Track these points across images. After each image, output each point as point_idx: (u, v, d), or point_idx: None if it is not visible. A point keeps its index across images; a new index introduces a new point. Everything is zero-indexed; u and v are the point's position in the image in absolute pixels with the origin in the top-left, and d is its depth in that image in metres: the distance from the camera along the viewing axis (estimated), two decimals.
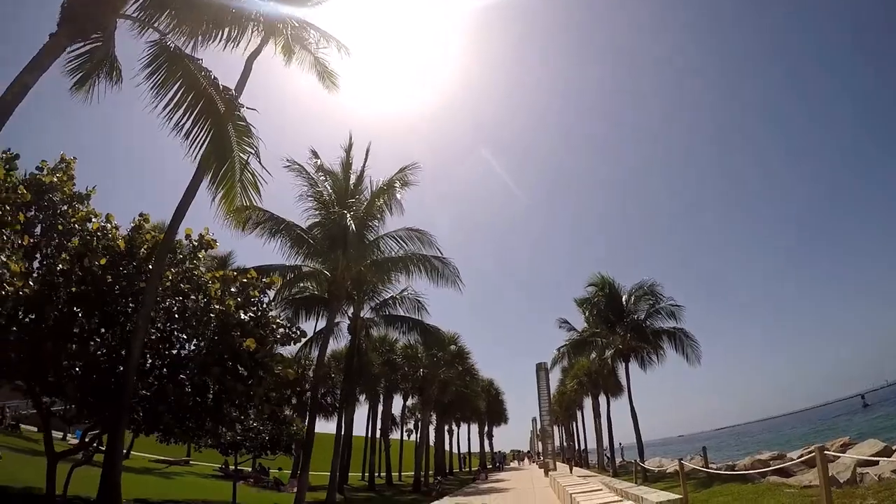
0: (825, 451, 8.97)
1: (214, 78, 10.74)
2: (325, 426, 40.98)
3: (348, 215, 18.52)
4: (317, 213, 19.74)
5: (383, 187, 20.00)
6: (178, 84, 10.34)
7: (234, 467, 24.20)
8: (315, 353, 35.61)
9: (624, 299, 29.49)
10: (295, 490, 28.65)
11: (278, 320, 12.42)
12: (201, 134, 10.65)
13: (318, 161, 20.23)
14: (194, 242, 12.37)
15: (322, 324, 26.21)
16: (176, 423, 11.06)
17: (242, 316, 10.91)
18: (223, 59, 12.89)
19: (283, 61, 14.60)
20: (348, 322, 26.24)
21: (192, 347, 11.50)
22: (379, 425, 41.41)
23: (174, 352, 11.56)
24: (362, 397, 39.66)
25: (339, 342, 30.55)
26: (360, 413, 44.02)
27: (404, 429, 52.10)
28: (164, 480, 26.32)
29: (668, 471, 29.14)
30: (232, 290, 11.55)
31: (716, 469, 20.65)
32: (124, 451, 32.80)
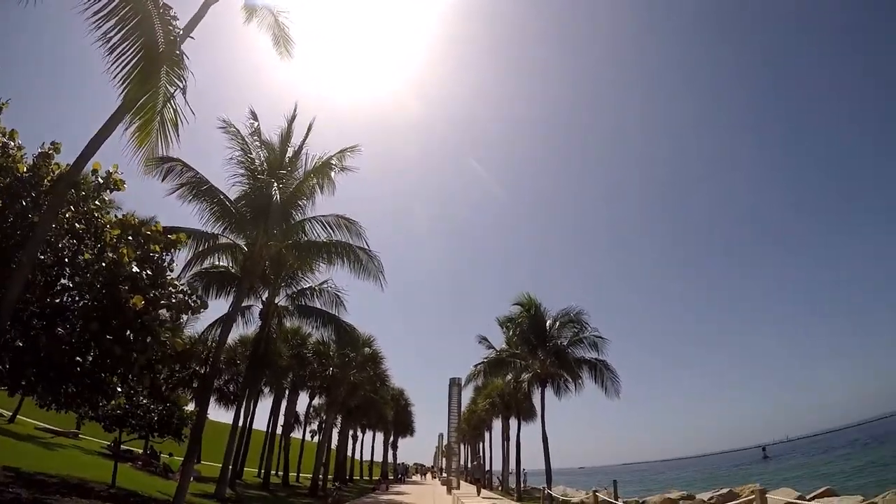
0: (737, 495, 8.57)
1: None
2: (228, 416, 38.61)
3: (275, 184, 17.26)
4: (245, 181, 18.31)
5: (319, 165, 18.84)
6: None
7: (123, 447, 22.32)
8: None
9: (548, 324, 29.17)
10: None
11: (179, 285, 11.07)
12: (129, 51, 9.56)
13: (256, 124, 18.83)
14: (100, 179, 10.89)
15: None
16: (41, 381, 9.50)
17: (136, 269, 9.50)
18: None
19: (243, 18, 13.52)
20: (261, 307, 24.75)
21: (78, 299, 9.99)
22: (281, 422, 39.51)
23: (57, 301, 10.00)
24: (266, 389, 37.66)
25: (249, 327, 28.81)
26: (264, 407, 41.98)
27: (307, 428, 50.00)
28: (45, 451, 24.07)
29: (573, 500, 28.84)
30: (129, 238, 10.12)
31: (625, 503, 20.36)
32: (12, 413, 30.54)
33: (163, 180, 16.78)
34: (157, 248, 10.49)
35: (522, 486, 35.46)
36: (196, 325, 36.55)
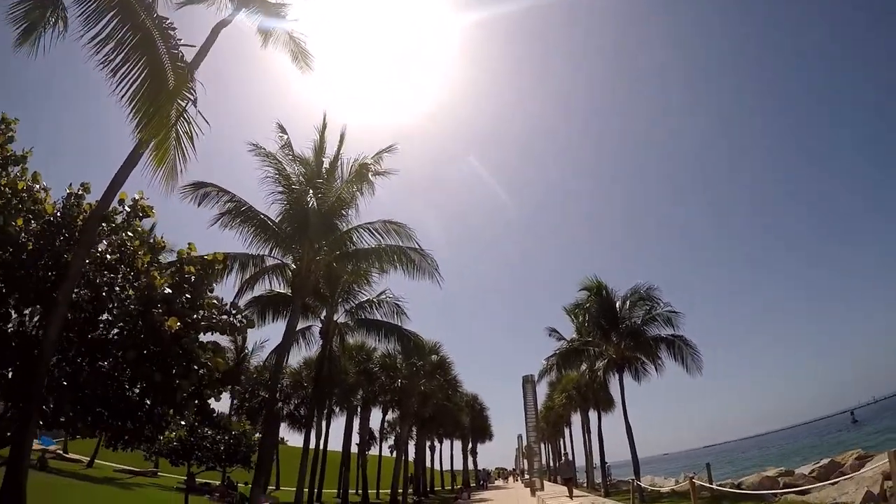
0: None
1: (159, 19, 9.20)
2: (300, 440, 38.44)
3: (312, 194, 16.57)
4: (283, 198, 17.69)
5: (356, 169, 18.00)
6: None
7: (200, 480, 22.20)
8: (286, 361, 33.70)
9: (618, 305, 27.54)
10: None
11: (223, 306, 10.36)
12: (134, 71, 9.26)
13: (286, 137, 18.11)
14: (127, 208, 10.38)
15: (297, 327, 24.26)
16: (81, 417, 8.91)
17: (168, 291, 8.82)
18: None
19: (260, 42, 13.21)
20: (320, 325, 24.13)
21: (117, 331, 9.44)
22: (356, 440, 39.05)
23: (97, 335, 9.49)
24: (337, 409, 37.19)
25: (312, 348, 28.30)
26: (338, 427, 41.72)
27: (384, 444, 49.42)
28: (122, 491, 24.29)
29: (663, 490, 27.16)
30: (159, 261, 9.49)
31: (721, 487, 18.73)
32: (90, 458, 31.12)
33: (199, 205, 16.30)
34: (193, 270, 9.82)
35: (609, 480, 33.82)
36: (261, 354, 36.69)
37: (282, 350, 17.20)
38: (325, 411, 37.65)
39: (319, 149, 19.24)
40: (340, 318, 24.81)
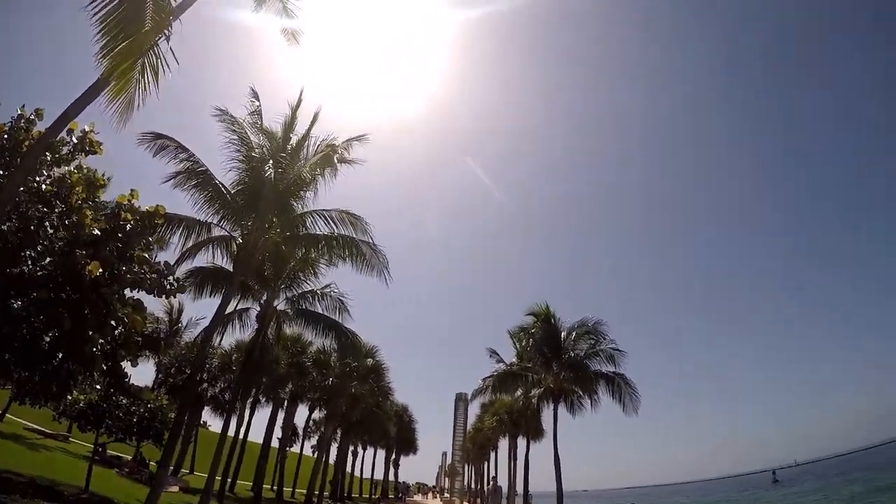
0: None
1: None
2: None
3: (271, 166, 15.92)
4: (241, 166, 16.93)
5: (322, 150, 17.33)
6: None
7: (113, 453, 20.87)
8: (221, 341, 32.42)
9: (563, 335, 27.37)
10: (171, 488, 25.34)
11: (155, 263, 9.61)
12: None
13: (257, 104, 17.36)
14: (75, 140, 9.58)
15: (235, 307, 23.32)
16: None
17: (97, 232, 8.05)
18: None
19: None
20: (259, 310, 23.24)
21: (39, 269, 8.57)
22: (278, 434, 37.77)
23: (16, 271, 8.58)
24: (264, 400, 35.87)
25: (247, 331, 27.14)
26: (262, 418, 40.30)
27: (307, 443, 48.00)
28: (27, 451, 22.70)
29: None
30: (95, 200, 8.71)
31: None
32: (1, 412, 29.05)
33: (154, 155, 15.61)
34: (129, 218, 9.05)
35: None
36: (195, 331, 35.29)
37: (213, 325, 16.40)
38: (251, 400, 36.38)
39: (289, 124, 18.49)
40: (280, 304, 24.01)
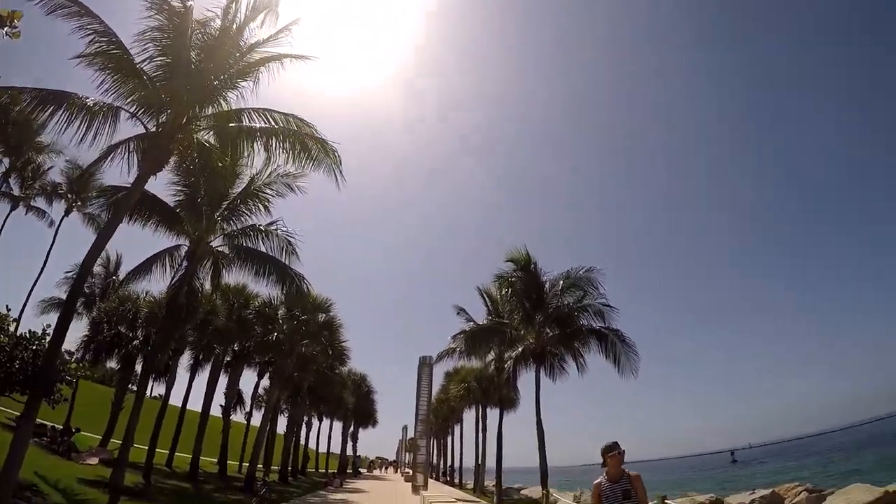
0: None
1: None
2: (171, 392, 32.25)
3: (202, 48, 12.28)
4: (166, 43, 13.11)
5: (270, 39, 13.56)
6: None
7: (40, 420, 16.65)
8: (154, 287, 27.89)
9: (546, 287, 23.78)
10: (90, 460, 21.43)
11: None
12: None
13: None
14: None
15: (167, 242, 19.18)
16: None
17: None
18: None
19: None
20: (188, 246, 19.14)
21: None
22: (221, 401, 33.58)
23: None
24: (203, 359, 31.53)
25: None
26: (202, 383, 35.82)
27: (258, 412, 43.45)
28: None
29: None
30: None
31: None
32: None
33: (48, 13, 11.68)
34: None
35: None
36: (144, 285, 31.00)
37: (105, 234, 12.31)
38: (191, 363, 32.19)
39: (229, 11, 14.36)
40: (217, 243, 19.91)
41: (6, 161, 31.74)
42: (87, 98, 12.65)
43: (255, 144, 13.71)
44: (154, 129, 13.44)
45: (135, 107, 13.44)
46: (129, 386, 31.08)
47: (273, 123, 13.94)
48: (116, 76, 12.97)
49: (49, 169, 34.06)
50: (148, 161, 12.92)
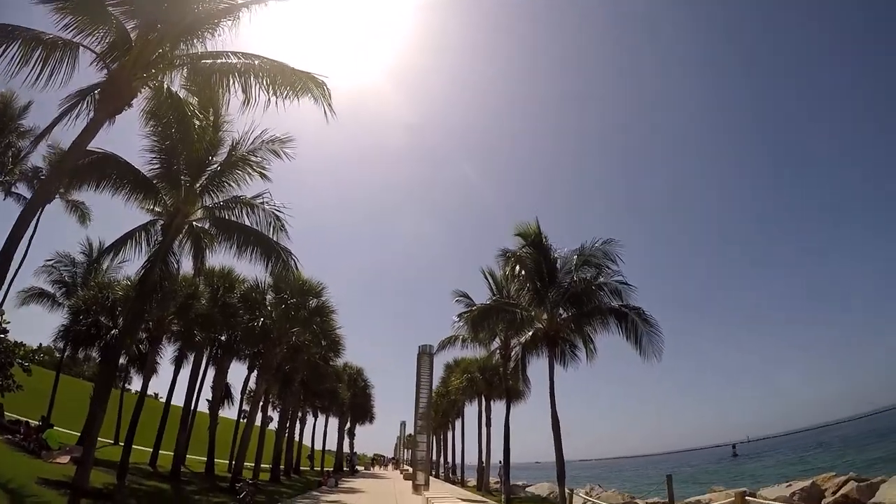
0: None
1: None
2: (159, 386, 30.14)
3: None
4: None
5: None
6: None
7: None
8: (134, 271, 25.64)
9: (559, 263, 21.76)
10: (60, 459, 19.99)
11: None
12: None
13: None
14: None
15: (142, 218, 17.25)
16: None
17: None
18: None
19: None
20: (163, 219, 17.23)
21: None
22: (208, 395, 31.58)
23: None
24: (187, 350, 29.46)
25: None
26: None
27: (247, 406, 41.42)
28: None
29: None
30: None
31: None
32: None
33: None
34: None
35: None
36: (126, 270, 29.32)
37: (47, 184, 10.39)
38: (176, 355, 30.10)
39: None
40: (198, 216, 17.95)
41: None
42: (45, 34, 10.77)
43: (233, 84, 11.76)
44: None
45: (100, 46, 11.55)
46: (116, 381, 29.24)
47: (253, 62, 12.07)
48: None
49: (30, 153, 32.28)
50: (104, 101, 10.94)
